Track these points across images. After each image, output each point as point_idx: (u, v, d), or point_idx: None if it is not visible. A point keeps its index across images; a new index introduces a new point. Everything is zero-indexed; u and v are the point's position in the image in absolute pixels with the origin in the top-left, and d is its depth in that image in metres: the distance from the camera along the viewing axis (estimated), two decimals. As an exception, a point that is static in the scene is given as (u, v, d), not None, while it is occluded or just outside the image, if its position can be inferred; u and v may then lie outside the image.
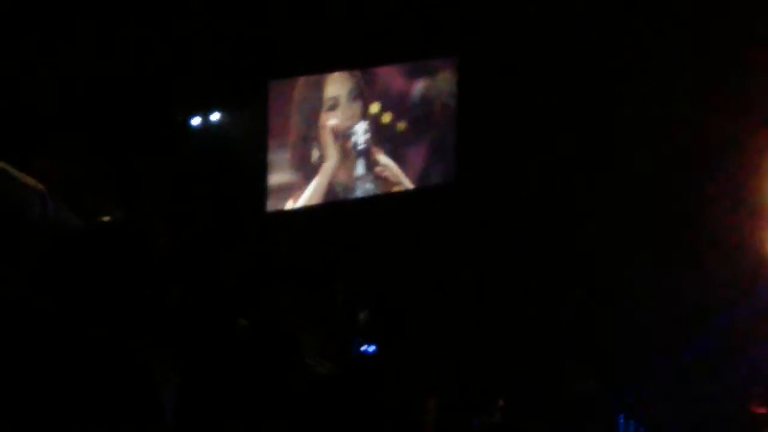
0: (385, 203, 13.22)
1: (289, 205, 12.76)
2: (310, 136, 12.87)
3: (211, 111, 12.06)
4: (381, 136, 13.31)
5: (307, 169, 12.92)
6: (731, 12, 12.10)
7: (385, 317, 12.49)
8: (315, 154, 12.93)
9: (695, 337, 12.87)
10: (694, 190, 12.81)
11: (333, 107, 12.94)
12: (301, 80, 12.78)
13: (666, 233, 12.98)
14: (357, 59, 12.82)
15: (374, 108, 13.21)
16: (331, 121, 13.00)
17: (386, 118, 13.27)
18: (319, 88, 12.88)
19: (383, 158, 13.38)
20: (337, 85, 12.96)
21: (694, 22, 12.38)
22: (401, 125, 13.41)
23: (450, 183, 13.53)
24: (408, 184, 13.55)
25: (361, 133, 13.16)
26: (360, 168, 13.24)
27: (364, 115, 13.19)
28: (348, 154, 13.14)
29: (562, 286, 13.01)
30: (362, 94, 13.13)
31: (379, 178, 13.37)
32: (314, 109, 12.86)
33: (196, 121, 12.00)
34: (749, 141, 12.61)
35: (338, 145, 13.05)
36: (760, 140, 12.70)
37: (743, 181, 12.75)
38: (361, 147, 13.16)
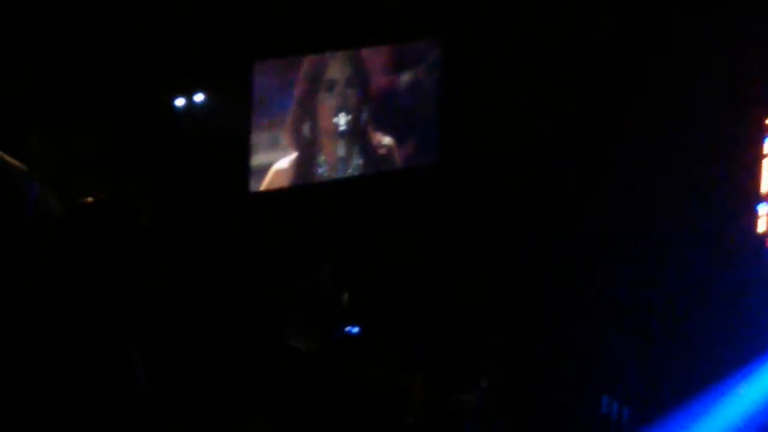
0: (371, 184, 13.24)
1: (274, 185, 12.76)
2: (299, 117, 12.87)
3: (195, 91, 12.04)
4: (380, 115, 13.40)
5: (294, 149, 12.93)
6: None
7: (369, 298, 12.53)
8: (305, 133, 12.94)
9: (676, 316, 12.94)
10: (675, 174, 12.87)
11: (329, 89, 12.95)
12: (290, 61, 12.78)
13: (647, 216, 13.04)
14: (344, 40, 12.82)
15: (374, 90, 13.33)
16: (325, 102, 13.02)
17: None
18: (317, 69, 12.90)
19: (384, 138, 13.45)
20: (335, 68, 12.99)
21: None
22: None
23: (434, 165, 13.57)
24: (398, 164, 13.64)
25: (352, 115, 13.19)
26: (347, 148, 13.26)
27: (363, 96, 13.23)
28: (337, 134, 13.16)
29: (544, 267, 13.06)
30: (361, 78, 13.17)
31: (374, 158, 13.42)
32: (308, 90, 12.87)
33: (180, 101, 11.98)
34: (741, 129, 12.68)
35: (328, 126, 13.06)
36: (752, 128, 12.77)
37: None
38: (349, 128, 13.18)
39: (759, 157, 12.82)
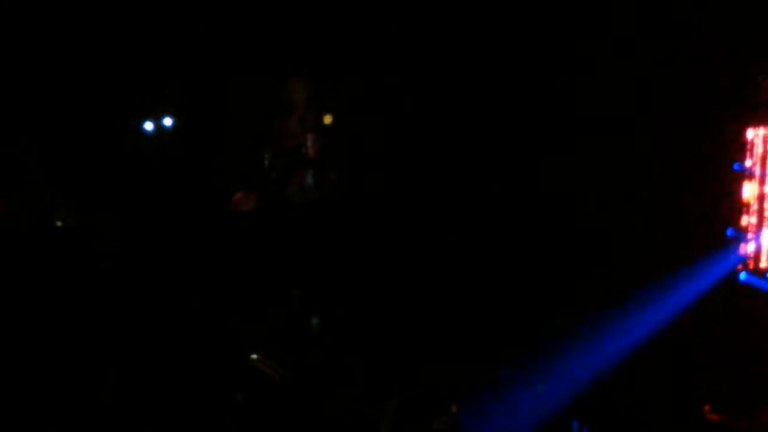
0: (336, 209, 13.22)
1: (243, 208, 12.73)
2: (265, 140, 12.85)
3: (164, 115, 12.02)
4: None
5: (261, 174, 12.90)
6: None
7: (339, 323, 12.50)
8: (268, 158, 12.91)
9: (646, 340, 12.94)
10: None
11: (290, 113, 12.94)
12: (258, 84, 12.76)
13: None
14: (314, 65, 12.83)
15: (327, 119, 13.24)
16: (288, 127, 13.00)
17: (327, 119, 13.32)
18: (278, 92, 12.88)
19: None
20: (296, 92, 12.96)
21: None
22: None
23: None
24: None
25: (311, 142, 13.16)
26: (311, 176, 13.23)
27: (319, 124, 13.20)
28: (301, 160, 13.13)
29: (518, 292, 13.04)
30: (319, 103, 13.15)
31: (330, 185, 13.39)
32: (271, 114, 12.85)
33: (149, 125, 11.95)
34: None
35: (292, 150, 13.04)
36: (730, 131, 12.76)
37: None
38: (311, 155, 13.16)
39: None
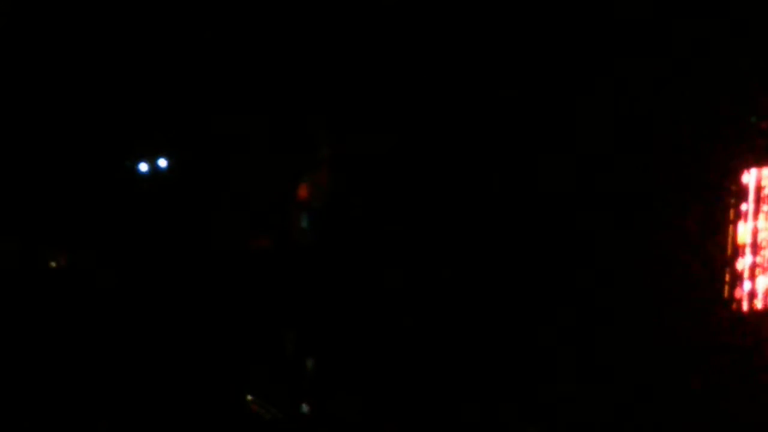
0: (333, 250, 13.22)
1: (235, 248, 12.73)
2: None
3: (158, 156, 12.04)
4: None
5: (257, 214, 12.91)
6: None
7: (332, 364, 12.47)
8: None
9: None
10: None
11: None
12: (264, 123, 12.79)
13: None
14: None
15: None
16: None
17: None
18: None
19: None
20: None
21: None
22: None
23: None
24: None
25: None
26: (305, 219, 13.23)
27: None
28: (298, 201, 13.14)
29: (501, 325, 13.00)
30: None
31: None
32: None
33: (143, 166, 11.97)
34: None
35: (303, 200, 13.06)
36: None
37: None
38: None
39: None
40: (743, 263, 12.68)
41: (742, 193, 12.68)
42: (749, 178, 12.61)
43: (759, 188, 12.66)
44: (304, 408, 10.60)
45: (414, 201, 13.13)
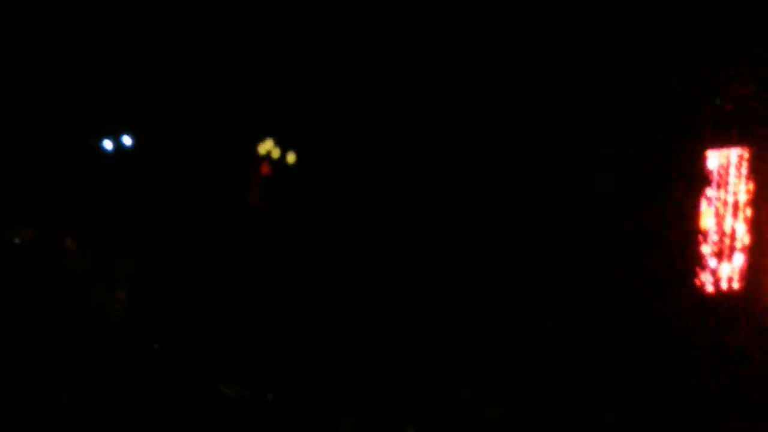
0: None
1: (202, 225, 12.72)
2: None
3: (123, 134, 12.00)
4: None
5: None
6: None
7: (295, 341, 12.47)
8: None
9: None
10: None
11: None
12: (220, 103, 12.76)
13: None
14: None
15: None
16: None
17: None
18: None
19: None
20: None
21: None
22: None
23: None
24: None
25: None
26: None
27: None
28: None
29: (472, 312, 13.05)
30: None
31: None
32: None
33: (108, 144, 11.93)
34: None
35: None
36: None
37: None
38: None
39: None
40: (707, 247, 12.70)
41: (706, 176, 12.71)
42: (713, 161, 12.63)
43: (723, 171, 12.67)
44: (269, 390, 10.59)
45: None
